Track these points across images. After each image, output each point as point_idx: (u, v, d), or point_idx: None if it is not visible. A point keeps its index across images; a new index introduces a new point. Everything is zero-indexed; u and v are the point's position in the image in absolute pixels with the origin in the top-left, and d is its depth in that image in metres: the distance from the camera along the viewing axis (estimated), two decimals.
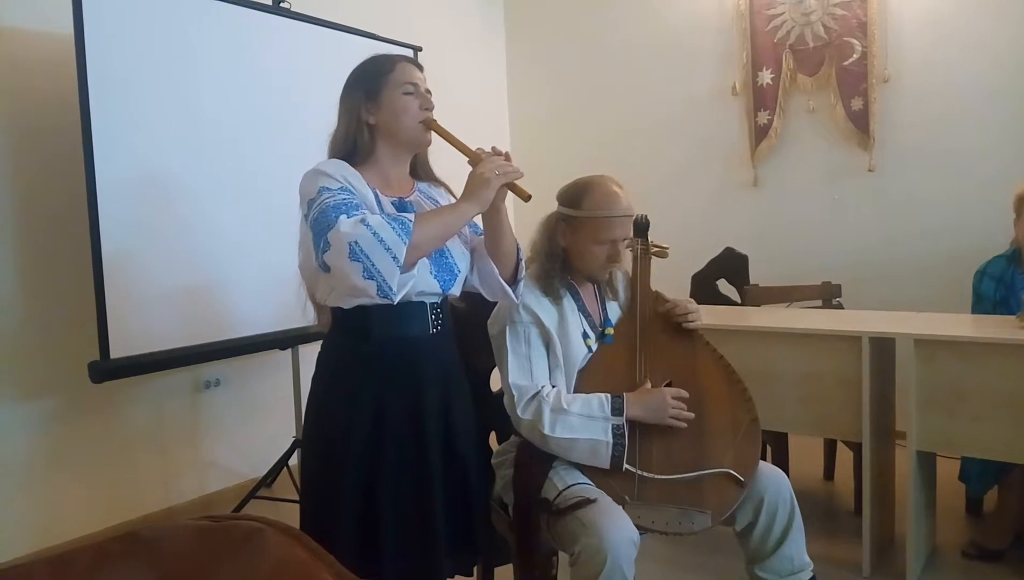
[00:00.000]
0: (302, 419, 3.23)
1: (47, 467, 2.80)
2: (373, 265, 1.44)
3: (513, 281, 1.76)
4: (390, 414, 1.61)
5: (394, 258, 1.45)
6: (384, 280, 1.45)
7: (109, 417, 2.95)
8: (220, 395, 3.33)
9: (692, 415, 1.81)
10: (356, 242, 1.43)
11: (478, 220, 1.74)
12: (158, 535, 0.99)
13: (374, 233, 1.44)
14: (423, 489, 1.61)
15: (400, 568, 1.58)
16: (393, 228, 1.46)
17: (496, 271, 1.71)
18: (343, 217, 1.47)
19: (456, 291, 1.72)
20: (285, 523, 1.12)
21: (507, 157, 1.62)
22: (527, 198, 1.62)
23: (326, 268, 1.49)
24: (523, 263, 1.79)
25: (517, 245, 1.76)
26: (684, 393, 1.83)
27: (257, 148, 2.98)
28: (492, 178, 1.57)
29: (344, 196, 1.52)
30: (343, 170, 1.59)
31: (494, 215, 1.67)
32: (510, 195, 1.64)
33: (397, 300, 1.49)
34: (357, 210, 1.51)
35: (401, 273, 1.47)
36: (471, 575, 1.85)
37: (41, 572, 0.90)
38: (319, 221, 1.49)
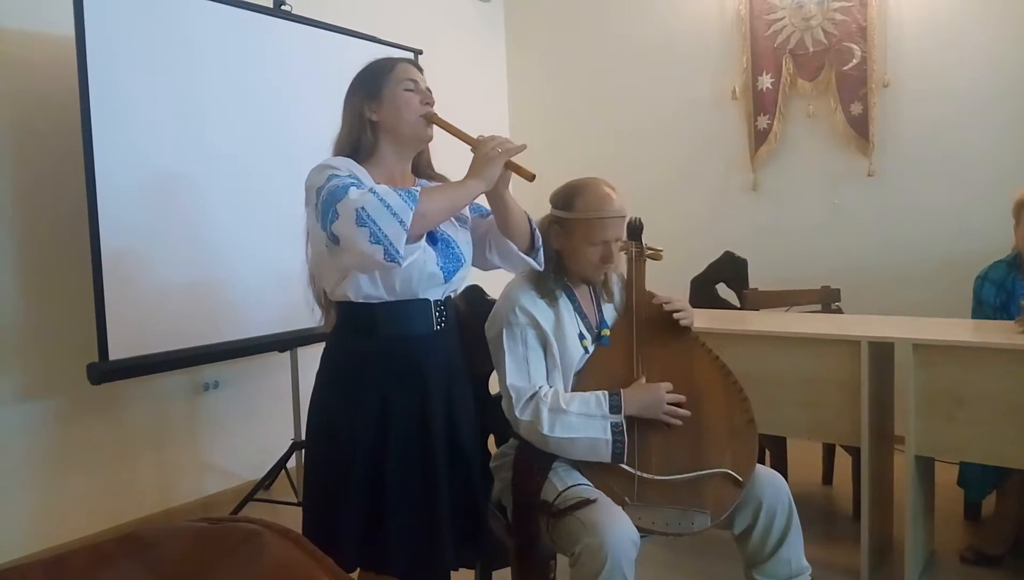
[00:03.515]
0: (301, 421, 3.28)
1: (46, 468, 2.80)
2: (380, 229, 1.44)
3: (532, 250, 1.80)
4: (396, 409, 1.64)
5: (400, 222, 1.45)
6: (391, 243, 1.44)
7: (108, 419, 2.95)
8: (219, 397, 3.33)
9: (688, 413, 1.83)
10: (363, 208, 1.44)
11: (484, 202, 1.76)
12: (156, 537, 0.99)
13: (381, 199, 1.46)
14: (429, 484, 1.63)
15: (406, 562, 1.60)
16: (400, 195, 1.48)
17: (514, 247, 1.76)
18: (352, 188, 1.50)
19: (459, 283, 1.75)
20: (283, 525, 1.12)
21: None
22: (531, 178, 1.64)
23: (335, 239, 1.49)
24: (538, 232, 1.82)
25: (528, 216, 1.79)
26: (681, 398, 1.84)
27: (257, 151, 2.99)
28: (495, 156, 1.61)
29: (352, 179, 1.56)
30: (349, 165, 1.62)
31: (497, 199, 1.70)
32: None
33: (404, 264, 1.49)
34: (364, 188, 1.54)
35: (408, 243, 1.47)
36: (474, 568, 1.87)
37: (38, 574, 0.89)
38: (329, 198, 1.50)
